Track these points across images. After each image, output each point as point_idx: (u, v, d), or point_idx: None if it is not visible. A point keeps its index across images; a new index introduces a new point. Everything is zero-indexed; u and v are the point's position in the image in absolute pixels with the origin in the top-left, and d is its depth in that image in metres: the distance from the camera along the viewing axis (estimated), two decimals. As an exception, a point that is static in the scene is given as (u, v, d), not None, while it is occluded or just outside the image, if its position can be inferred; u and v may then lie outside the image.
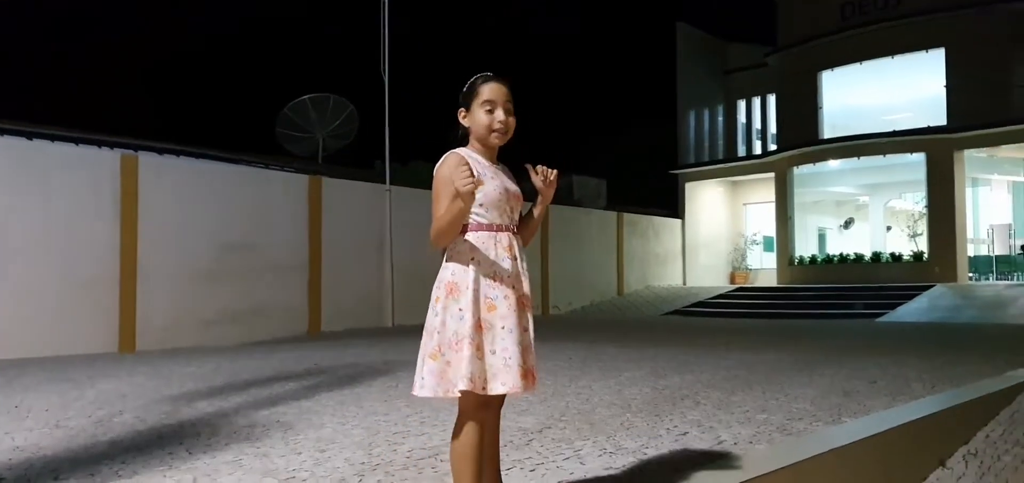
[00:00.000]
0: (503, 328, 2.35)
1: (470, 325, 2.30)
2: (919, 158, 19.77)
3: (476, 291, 2.33)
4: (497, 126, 2.44)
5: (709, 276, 23.64)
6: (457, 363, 2.29)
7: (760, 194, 24.02)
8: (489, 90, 2.44)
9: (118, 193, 10.53)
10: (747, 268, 24.00)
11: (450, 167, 2.35)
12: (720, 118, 26.42)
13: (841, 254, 21.24)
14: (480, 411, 2.37)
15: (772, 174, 22.57)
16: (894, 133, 20.46)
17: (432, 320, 2.37)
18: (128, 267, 10.54)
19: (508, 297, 2.38)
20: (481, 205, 2.38)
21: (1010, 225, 20.35)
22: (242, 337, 11.50)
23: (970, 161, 19.54)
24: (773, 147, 24.29)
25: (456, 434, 2.39)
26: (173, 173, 11.61)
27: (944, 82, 20.22)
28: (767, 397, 5.13)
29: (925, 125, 20.19)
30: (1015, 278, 19.11)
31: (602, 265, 20.19)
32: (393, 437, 3.95)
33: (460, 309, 2.33)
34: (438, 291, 2.39)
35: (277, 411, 4.83)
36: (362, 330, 12.88)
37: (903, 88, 21.80)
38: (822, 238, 25.04)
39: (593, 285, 19.45)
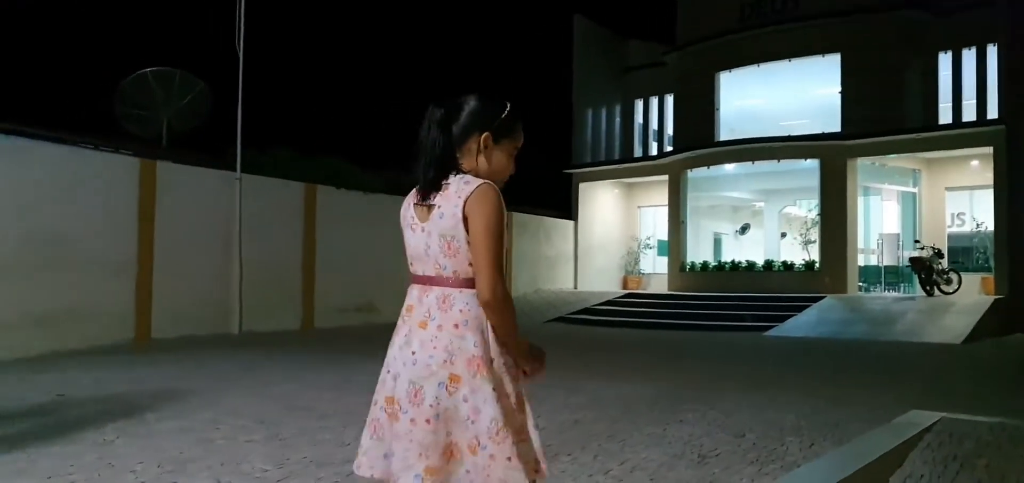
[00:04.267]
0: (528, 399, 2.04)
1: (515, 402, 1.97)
2: (813, 165, 19.29)
3: (505, 362, 1.97)
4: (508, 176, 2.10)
5: (602, 280, 22.69)
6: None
7: (655, 197, 23.24)
8: (521, 136, 2.08)
9: None
10: (640, 272, 23.18)
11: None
12: (617, 117, 25.48)
13: (733, 261, 20.61)
14: None
15: (667, 176, 21.81)
16: (789, 138, 19.94)
17: (498, 408, 1.91)
18: None
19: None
20: None
21: (898, 235, 20.17)
22: (50, 344, 9.49)
23: (862, 170, 19.20)
24: (670, 149, 23.56)
25: None
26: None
27: (839, 88, 19.86)
28: (597, 464, 3.87)
29: (820, 131, 19.78)
30: (902, 289, 18.89)
31: (490, 267, 18.87)
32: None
33: (494, 388, 1.93)
34: (457, 367, 1.91)
35: None
36: (202, 338, 11.13)
37: (799, 93, 21.35)
38: (718, 243, 24.46)
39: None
